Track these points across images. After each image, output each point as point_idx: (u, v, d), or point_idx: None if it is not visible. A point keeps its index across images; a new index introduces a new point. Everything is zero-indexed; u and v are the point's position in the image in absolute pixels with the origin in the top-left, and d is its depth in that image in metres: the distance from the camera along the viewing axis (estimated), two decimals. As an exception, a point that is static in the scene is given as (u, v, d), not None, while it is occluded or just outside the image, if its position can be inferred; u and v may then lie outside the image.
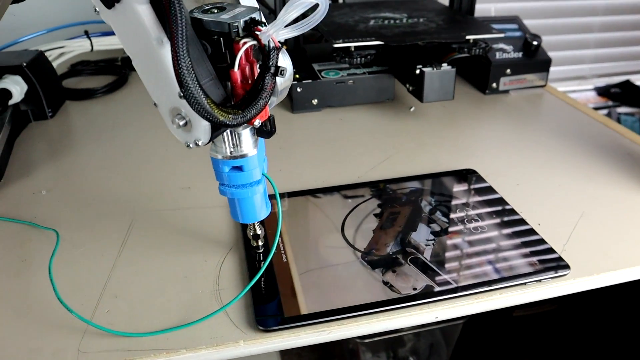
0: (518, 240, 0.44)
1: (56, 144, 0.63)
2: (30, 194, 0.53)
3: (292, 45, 0.73)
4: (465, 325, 0.87)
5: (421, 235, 0.44)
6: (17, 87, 0.63)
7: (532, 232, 0.45)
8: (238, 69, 0.33)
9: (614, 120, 1.26)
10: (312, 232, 0.45)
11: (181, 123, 0.33)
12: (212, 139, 0.34)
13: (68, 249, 0.45)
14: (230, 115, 0.32)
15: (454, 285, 0.39)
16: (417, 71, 0.62)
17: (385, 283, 0.39)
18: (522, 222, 0.46)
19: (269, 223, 0.45)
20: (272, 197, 0.45)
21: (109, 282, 0.41)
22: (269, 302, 0.38)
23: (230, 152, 0.37)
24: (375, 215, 0.47)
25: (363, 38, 0.65)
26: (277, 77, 0.33)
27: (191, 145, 0.34)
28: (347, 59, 0.66)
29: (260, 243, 0.43)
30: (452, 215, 0.47)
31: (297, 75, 0.68)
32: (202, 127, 0.33)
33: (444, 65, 0.62)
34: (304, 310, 0.37)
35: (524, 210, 0.49)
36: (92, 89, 0.75)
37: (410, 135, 0.63)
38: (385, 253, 0.42)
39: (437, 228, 0.45)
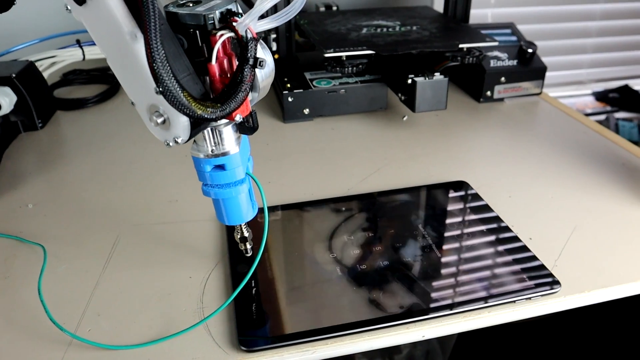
0: (509, 257, 0.43)
1: (45, 155, 0.63)
2: (17, 207, 0.52)
3: (285, 54, 0.73)
4: (461, 333, 0.86)
5: (410, 251, 0.44)
6: (5, 99, 0.62)
7: (523, 248, 0.44)
8: (216, 62, 0.32)
9: (612, 126, 1.25)
10: (299, 247, 0.45)
11: (159, 120, 0.32)
12: (192, 136, 0.33)
13: (53, 265, 0.44)
14: (209, 109, 0.31)
15: (442, 303, 0.39)
16: (409, 81, 0.62)
17: (372, 301, 0.39)
18: (514, 238, 0.46)
19: (254, 232, 0.45)
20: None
21: (92, 300, 0.40)
22: (253, 320, 0.37)
23: (212, 151, 0.36)
24: (364, 229, 0.46)
25: (354, 47, 0.65)
26: (257, 70, 0.32)
27: (171, 144, 0.33)
28: (338, 69, 0.65)
29: (248, 246, 0.42)
30: (442, 230, 0.47)
31: (289, 85, 0.67)
32: (181, 124, 0.32)
33: (437, 74, 0.62)
34: (288, 329, 0.37)
35: (516, 223, 0.48)
36: (83, 98, 0.74)
37: (402, 146, 0.63)
38: (372, 269, 0.42)
39: (426, 243, 0.45)
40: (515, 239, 0.45)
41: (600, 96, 1.38)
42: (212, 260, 0.44)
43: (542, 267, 0.42)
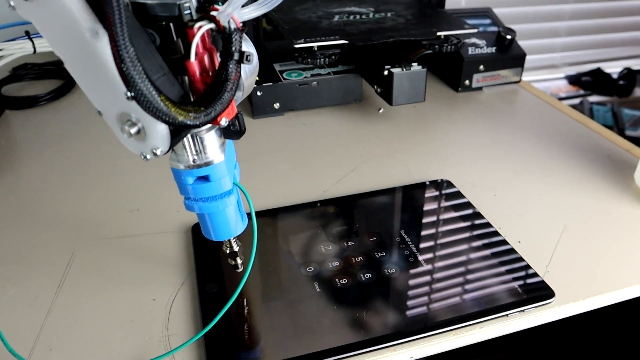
0: (499, 264, 0.40)
1: (-8, 161, 0.57)
2: (-42, 223, 0.47)
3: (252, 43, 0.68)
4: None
5: (392, 261, 0.40)
6: (-56, 100, 0.56)
7: (513, 253, 0.41)
8: (195, 59, 0.27)
9: (586, 110, 1.24)
10: (272, 261, 0.41)
11: (132, 131, 0.27)
12: (172, 146, 0.29)
13: (-2, 290, 0.40)
14: (191, 114, 0.26)
15: (432, 320, 0.36)
16: (385, 72, 0.58)
17: (354, 321, 0.35)
18: (503, 242, 0.43)
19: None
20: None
21: (43, 332, 0.36)
22: (224, 351, 0.34)
23: (194, 160, 0.31)
24: (343, 238, 0.43)
25: (326, 37, 0.61)
26: (242, 65, 0.28)
27: (148, 156, 0.29)
28: (310, 60, 0.61)
29: (239, 261, 0.38)
30: (427, 237, 0.43)
31: (257, 77, 0.63)
32: (159, 133, 0.27)
33: (414, 65, 0.58)
34: (264, 359, 0.33)
35: (503, 226, 0.45)
36: (36, 96, 0.69)
37: (379, 141, 0.59)
38: (354, 284, 0.38)
39: (409, 252, 0.42)
40: (504, 243, 0.43)
41: (573, 80, 1.37)
42: (178, 279, 0.40)
43: (534, 275, 0.39)
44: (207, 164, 0.31)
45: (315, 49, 0.61)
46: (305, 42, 0.60)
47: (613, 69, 1.41)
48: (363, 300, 0.37)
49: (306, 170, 0.54)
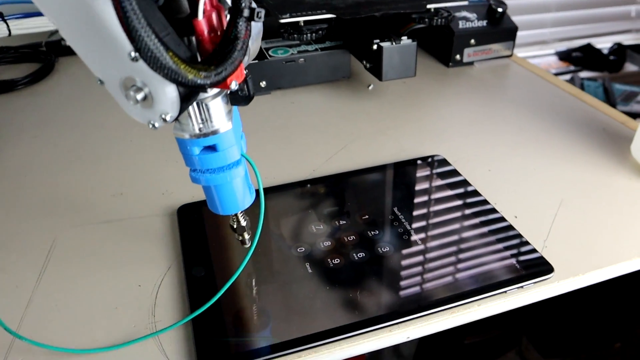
0: (496, 240, 0.39)
1: (-32, 147, 0.55)
2: None
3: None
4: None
5: (386, 240, 0.39)
6: None
7: (509, 228, 0.40)
8: (203, 17, 0.26)
9: (577, 86, 1.23)
10: (262, 243, 0.40)
11: (139, 97, 0.25)
12: (182, 111, 0.27)
13: (-26, 280, 0.38)
14: (201, 73, 0.24)
15: (428, 299, 0.34)
16: (375, 47, 0.56)
17: (348, 302, 0.34)
18: (499, 218, 0.42)
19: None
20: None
21: (23, 323, 0.34)
22: (213, 335, 0.32)
23: (200, 129, 0.30)
24: (334, 217, 0.42)
25: (313, 11, 0.59)
26: (252, 23, 0.26)
27: (156, 124, 0.27)
28: (296, 35, 0.59)
29: (246, 236, 0.36)
30: (421, 214, 0.42)
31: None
32: (167, 96, 0.25)
33: (404, 38, 0.57)
34: (255, 344, 0.32)
35: (499, 200, 0.44)
36: (12, 80, 0.66)
37: (369, 118, 0.58)
38: (347, 264, 0.37)
39: (403, 230, 0.40)
40: (501, 219, 0.41)
41: (563, 56, 1.35)
42: (164, 263, 0.39)
43: (532, 250, 0.38)
44: (214, 132, 0.30)
45: (302, 24, 0.59)
46: (291, 16, 0.58)
47: (603, 44, 1.39)
48: (356, 280, 0.36)
49: (295, 149, 0.52)
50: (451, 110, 0.59)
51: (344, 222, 0.41)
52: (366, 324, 0.33)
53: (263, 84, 0.61)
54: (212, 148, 0.31)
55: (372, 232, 0.40)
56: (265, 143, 0.53)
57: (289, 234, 0.40)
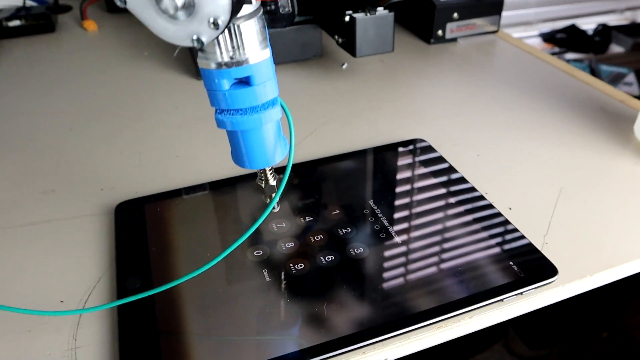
0: (489, 238, 0.33)
1: None
2: None
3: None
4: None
5: (359, 240, 0.33)
6: None
7: (504, 223, 0.34)
8: None
9: (564, 67, 1.18)
10: (212, 244, 0.33)
11: (179, 2, 0.21)
12: (234, 13, 0.22)
13: None
14: None
15: (409, 311, 0.28)
16: (347, 18, 0.50)
17: (311, 317, 0.28)
18: (492, 212, 0.36)
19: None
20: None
21: None
22: (145, 364, 0.26)
23: (231, 57, 0.24)
24: (299, 213, 0.35)
25: (277, -20, 0.52)
26: None
27: (203, 37, 0.22)
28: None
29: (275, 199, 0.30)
30: (401, 207, 0.36)
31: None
32: None
33: (380, 9, 0.50)
34: (196, 374, 0.26)
35: (490, 190, 0.38)
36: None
37: (343, 100, 0.51)
38: (313, 270, 0.31)
39: (381, 227, 0.34)
40: (494, 213, 0.35)
41: (547, 37, 1.30)
42: (95, 273, 0.32)
43: (532, 250, 0.32)
44: (249, 61, 0.24)
45: (265, -6, 0.52)
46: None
47: (588, 25, 1.35)
48: (323, 289, 0.30)
49: (258, 135, 0.46)
50: (434, 90, 0.53)
51: (311, 218, 0.35)
52: (334, 345, 0.26)
53: (223, 63, 0.55)
54: (245, 82, 0.25)
55: (344, 231, 0.34)
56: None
57: (246, 237, 0.34)
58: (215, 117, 0.26)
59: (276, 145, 0.28)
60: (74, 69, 0.59)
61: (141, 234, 0.34)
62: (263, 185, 0.30)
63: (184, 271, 0.31)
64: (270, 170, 0.30)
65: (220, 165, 0.42)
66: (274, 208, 0.31)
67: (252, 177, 0.39)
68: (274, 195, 0.30)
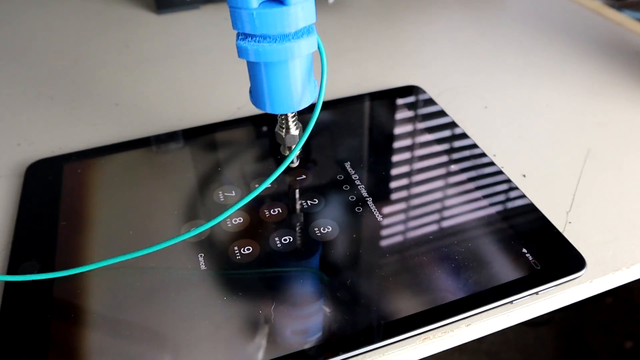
0: (497, 216, 0.26)
1: None
2: None
3: None
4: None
5: (327, 215, 0.26)
6: None
7: (519, 198, 0.27)
8: None
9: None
10: (133, 221, 0.26)
11: None
12: None
13: None
14: None
15: (390, 317, 0.21)
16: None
17: (255, 324, 0.21)
18: (502, 178, 0.28)
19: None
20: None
21: None
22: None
23: None
24: (253, 178, 0.28)
25: None
26: None
27: None
28: None
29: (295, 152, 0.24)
30: (384, 173, 0.28)
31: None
32: None
33: None
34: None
35: (500, 151, 0.31)
36: None
37: (325, 38, 0.43)
38: (260, 255, 0.24)
39: (357, 197, 0.27)
40: (504, 180, 0.28)
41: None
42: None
43: (552, 232, 0.25)
44: None
45: None
46: None
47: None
48: (273, 284, 0.22)
49: (218, 80, 0.38)
50: (434, 28, 0.45)
51: (269, 186, 0.27)
52: (282, 365, 0.19)
53: (186, -8, 0.46)
54: (277, 0, 0.20)
55: (309, 202, 0.26)
56: (181, 73, 0.39)
57: (180, 205, 0.26)
58: (236, 44, 0.21)
59: (305, 88, 0.23)
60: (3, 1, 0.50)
61: (52, 203, 0.26)
62: (283, 134, 0.25)
63: (99, 255, 0.23)
64: (293, 117, 0.25)
65: (167, 115, 0.34)
66: (292, 162, 0.26)
67: (200, 130, 0.31)
68: (293, 147, 0.25)
